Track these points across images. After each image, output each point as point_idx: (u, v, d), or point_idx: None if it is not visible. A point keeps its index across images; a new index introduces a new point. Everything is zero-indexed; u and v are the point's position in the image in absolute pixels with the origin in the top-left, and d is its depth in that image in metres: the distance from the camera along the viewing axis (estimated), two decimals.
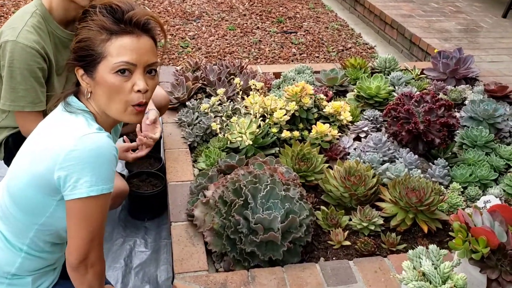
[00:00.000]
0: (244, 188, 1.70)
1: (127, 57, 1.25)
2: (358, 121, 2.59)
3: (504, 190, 2.17)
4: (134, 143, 2.04)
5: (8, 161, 2.04)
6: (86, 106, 1.32)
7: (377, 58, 3.60)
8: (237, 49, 4.40)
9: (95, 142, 1.21)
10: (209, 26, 4.87)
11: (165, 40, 1.45)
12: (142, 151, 2.02)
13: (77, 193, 1.20)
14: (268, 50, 4.43)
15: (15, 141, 1.95)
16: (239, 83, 2.34)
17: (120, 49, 1.24)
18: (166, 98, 2.46)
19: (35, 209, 1.30)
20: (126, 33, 1.25)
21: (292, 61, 4.26)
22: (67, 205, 1.24)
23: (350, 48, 4.65)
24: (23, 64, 1.76)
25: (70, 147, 1.19)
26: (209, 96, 2.75)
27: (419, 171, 2.18)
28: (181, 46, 4.37)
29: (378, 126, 2.63)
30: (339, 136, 2.44)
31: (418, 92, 2.80)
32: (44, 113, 1.92)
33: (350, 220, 1.96)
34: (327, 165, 2.22)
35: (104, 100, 1.28)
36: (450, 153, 2.38)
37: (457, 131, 2.46)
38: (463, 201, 2.08)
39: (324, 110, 2.52)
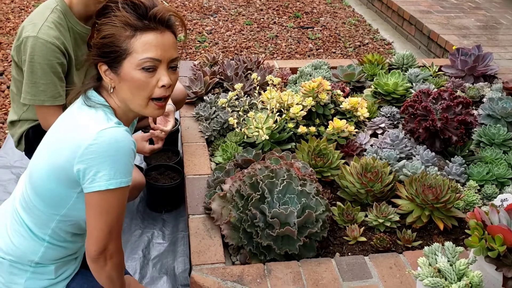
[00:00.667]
0: (261, 182, 1.72)
1: (153, 54, 1.27)
2: (375, 118, 2.59)
3: None
4: (147, 134, 2.08)
5: (29, 153, 2.09)
6: (106, 101, 1.34)
7: (394, 55, 3.58)
8: (253, 44, 4.41)
9: (114, 136, 1.24)
10: (226, 20, 4.89)
11: (185, 36, 1.47)
12: (157, 144, 2.07)
13: (95, 186, 1.23)
14: (285, 45, 4.43)
15: (35, 134, 2.00)
16: (256, 78, 2.36)
17: (146, 45, 1.26)
18: (184, 92, 2.49)
19: (56, 201, 1.34)
20: (150, 30, 1.28)
21: (309, 56, 4.26)
22: (86, 198, 1.27)
23: (367, 44, 4.62)
24: (44, 59, 1.80)
25: (89, 141, 1.22)
26: (226, 90, 2.77)
27: (436, 168, 2.18)
28: (198, 41, 4.40)
29: (395, 122, 2.62)
30: (356, 132, 2.44)
31: (435, 89, 2.79)
32: (64, 107, 1.97)
33: (366, 216, 1.97)
34: (343, 161, 2.23)
35: (128, 95, 1.31)
36: (467, 151, 2.37)
37: (475, 129, 2.45)
38: (480, 199, 2.08)
39: (341, 106, 2.53)
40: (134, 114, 1.39)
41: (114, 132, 1.24)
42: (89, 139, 1.22)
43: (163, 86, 1.30)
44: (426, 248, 1.51)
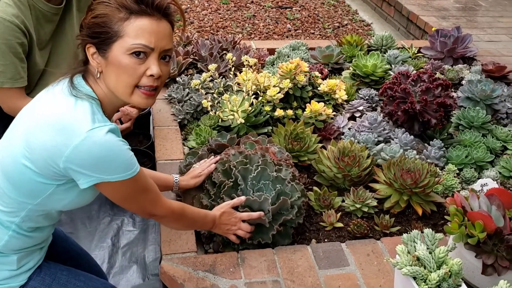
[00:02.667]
0: (234, 169, 1.64)
1: (146, 40, 1.20)
2: (353, 100, 2.53)
3: (500, 173, 2.13)
4: (117, 113, 2.00)
5: None
6: (93, 89, 1.26)
7: (373, 36, 3.52)
8: (230, 24, 4.28)
9: (103, 137, 1.15)
10: None
11: (184, 28, 1.40)
12: (126, 123, 1.99)
13: (91, 180, 1.19)
14: (262, 26, 4.32)
15: None
16: (231, 59, 2.26)
17: (139, 30, 1.19)
18: None
19: (31, 190, 1.25)
20: (146, 15, 1.20)
21: (287, 37, 4.16)
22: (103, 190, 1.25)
23: (346, 25, 4.55)
24: (1, 39, 1.67)
25: (77, 141, 1.14)
26: (200, 72, 2.67)
27: (415, 152, 2.13)
28: None
29: (373, 105, 2.57)
30: (334, 115, 2.38)
31: (415, 71, 2.74)
32: (27, 89, 1.84)
33: (343, 201, 1.91)
34: (320, 145, 2.16)
35: (114, 81, 1.23)
36: (446, 134, 2.33)
37: (454, 112, 2.41)
38: (459, 183, 2.04)
39: (319, 88, 2.45)
40: (120, 102, 1.31)
41: (102, 134, 1.16)
42: (77, 139, 1.14)
43: (151, 75, 1.22)
44: (404, 235, 1.46)
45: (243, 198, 1.60)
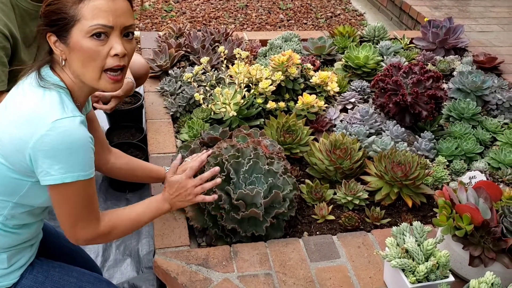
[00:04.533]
0: (226, 162, 1.65)
1: (103, 20, 1.17)
2: (345, 92, 2.54)
3: (489, 164, 2.16)
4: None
5: None
6: (60, 79, 1.25)
7: (366, 26, 3.51)
8: (222, 14, 4.26)
9: (69, 128, 1.15)
10: None
11: (142, 1, 1.37)
12: (110, 104, 2.04)
13: (50, 179, 1.17)
14: (255, 16, 4.30)
15: None
16: (223, 52, 2.26)
17: (95, 11, 1.17)
18: (146, 66, 2.37)
19: (8, 188, 1.25)
20: None
21: (280, 27, 4.15)
22: (48, 189, 1.22)
23: (339, 14, 4.54)
24: None
25: (42, 131, 1.14)
26: (192, 64, 2.66)
27: (405, 144, 2.15)
28: (165, 10, 4.22)
29: (365, 97, 2.58)
30: (326, 107, 2.39)
31: (406, 63, 2.75)
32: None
33: (335, 194, 1.93)
34: (312, 137, 2.18)
35: (79, 67, 1.21)
36: (436, 125, 2.35)
37: (445, 103, 2.43)
38: (448, 174, 2.07)
39: (311, 80, 2.46)
40: (89, 89, 1.30)
41: (69, 124, 1.16)
42: (43, 129, 1.14)
43: (116, 55, 1.21)
44: (394, 228, 1.49)
45: (175, 161, 1.54)
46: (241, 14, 4.30)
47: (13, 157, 1.19)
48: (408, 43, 3.19)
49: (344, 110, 2.47)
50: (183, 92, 2.36)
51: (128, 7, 1.23)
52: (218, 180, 1.51)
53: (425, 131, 2.27)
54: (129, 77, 2.11)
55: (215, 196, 1.50)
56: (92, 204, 1.28)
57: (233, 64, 2.37)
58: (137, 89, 2.58)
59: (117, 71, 1.24)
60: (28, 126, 1.16)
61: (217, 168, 1.53)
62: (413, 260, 1.41)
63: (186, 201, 1.48)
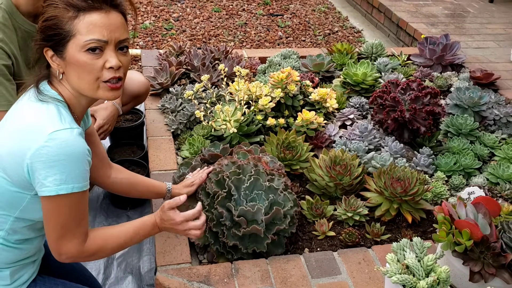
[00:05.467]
0: (228, 179, 1.67)
1: (98, 35, 1.21)
2: (344, 108, 2.57)
3: (487, 179, 2.18)
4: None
5: None
6: (58, 92, 1.28)
7: (364, 43, 3.56)
8: (222, 32, 4.31)
9: (65, 139, 1.18)
10: (194, 7, 4.77)
11: (135, 14, 1.40)
12: (101, 135, 2.12)
13: (45, 190, 1.18)
14: (254, 33, 4.36)
15: None
16: (223, 69, 2.29)
17: (90, 26, 1.21)
18: (146, 84, 2.41)
19: (8, 201, 1.27)
20: (94, 9, 1.22)
21: (278, 44, 4.20)
22: (41, 200, 1.23)
23: (337, 31, 4.59)
24: None
25: (40, 143, 1.16)
26: (193, 81, 2.69)
27: (404, 160, 2.17)
28: (165, 28, 4.28)
29: (364, 113, 2.61)
30: (325, 123, 2.41)
31: (404, 79, 2.78)
32: None
33: (335, 210, 1.94)
34: (312, 153, 2.19)
35: (76, 79, 1.25)
36: (435, 141, 2.38)
37: (443, 119, 2.46)
38: (447, 190, 2.09)
39: (310, 97, 2.49)
40: (88, 100, 1.33)
41: (66, 135, 1.18)
42: (41, 140, 1.16)
43: (111, 68, 1.24)
44: (394, 244, 1.50)
45: (183, 198, 1.48)
46: (240, 32, 4.36)
47: (11, 170, 1.21)
48: (405, 59, 3.23)
49: (343, 126, 2.49)
50: (184, 109, 2.38)
51: (122, 21, 1.27)
52: (203, 217, 1.50)
53: (424, 146, 2.29)
54: (112, 101, 2.16)
55: (203, 229, 1.49)
56: (82, 218, 1.28)
57: (233, 82, 2.40)
58: (138, 107, 2.61)
59: (114, 80, 1.27)
60: (26, 138, 1.18)
61: (200, 206, 1.51)
62: (414, 276, 1.41)
63: (177, 233, 1.52)
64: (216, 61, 2.82)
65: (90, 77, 1.24)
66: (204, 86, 2.30)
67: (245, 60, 2.96)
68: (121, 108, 2.30)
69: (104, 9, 1.23)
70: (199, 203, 1.51)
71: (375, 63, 3.06)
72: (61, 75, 1.27)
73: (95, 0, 1.22)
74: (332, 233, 1.84)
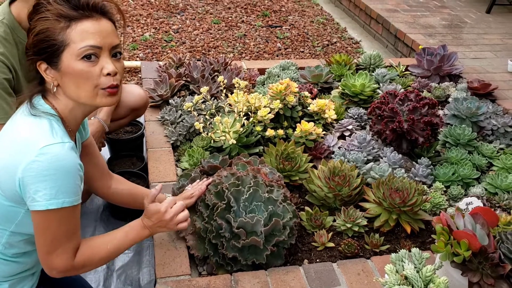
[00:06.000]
0: (227, 191, 1.68)
1: (92, 41, 1.23)
2: (342, 119, 2.58)
3: (486, 189, 2.19)
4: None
5: None
6: (52, 106, 1.29)
7: (362, 54, 3.59)
8: (221, 44, 4.35)
9: (56, 154, 1.18)
10: (193, 19, 4.81)
11: (124, 21, 1.42)
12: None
13: (36, 205, 1.19)
14: (253, 45, 4.39)
15: None
16: (223, 81, 2.31)
17: (83, 33, 1.23)
18: (144, 98, 2.43)
19: (3, 216, 1.28)
20: (85, 18, 1.24)
21: (277, 56, 4.23)
22: (31, 215, 1.23)
23: (335, 43, 4.63)
24: None
25: (31, 158, 1.17)
26: (192, 93, 2.72)
27: (403, 170, 2.18)
28: (165, 40, 4.31)
29: (362, 124, 2.62)
30: (324, 134, 2.43)
31: (402, 90, 2.80)
32: None
33: (334, 221, 1.95)
34: (311, 164, 2.20)
35: (73, 89, 1.26)
36: (433, 151, 2.39)
37: (441, 129, 2.47)
38: (446, 200, 2.09)
39: (308, 108, 2.51)
40: (83, 112, 1.33)
41: (57, 150, 1.19)
42: (32, 155, 1.17)
43: (108, 74, 1.25)
44: (393, 255, 1.50)
45: (158, 187, 1.53)
46: (239, 43, 4.39)
47: (5, 184, 1.22)
48: (403, 70, 3.25)
49: (342, 137, 2.51)
50: (183, 121, 2.40)
51: (112, 27, 1.30)
52: (186, 210, 1.53)
53: (422, 157, 2.30)
54: (97, 117, 2.17)
55: (189, 220, 1.52)
56: (74, 233, 1.28)
57: (232, 93, 2.42)
58: (138, 119, 2.63)
59: (113, 87, 1.28)
60: (18, 152, 1.19)
61: (160, 186, 1.55)
62: (413, 286, 1.42)
63: (167, 228, 1.50)
64: (216, 73, 2.85)
65: (88, 85, 1.24)
66: (203, 97, 2.32)
67: (244, 71, 2.98)
68: (120, 122, 2.31)
69: (94, 16, 1.25)
70: (159, 184, 1.55)
71: (373, 74, 3.09)
72: (55, 88, 1.27)
73: (85, 9, 1.24)
74: (331, 244, 1.85)
